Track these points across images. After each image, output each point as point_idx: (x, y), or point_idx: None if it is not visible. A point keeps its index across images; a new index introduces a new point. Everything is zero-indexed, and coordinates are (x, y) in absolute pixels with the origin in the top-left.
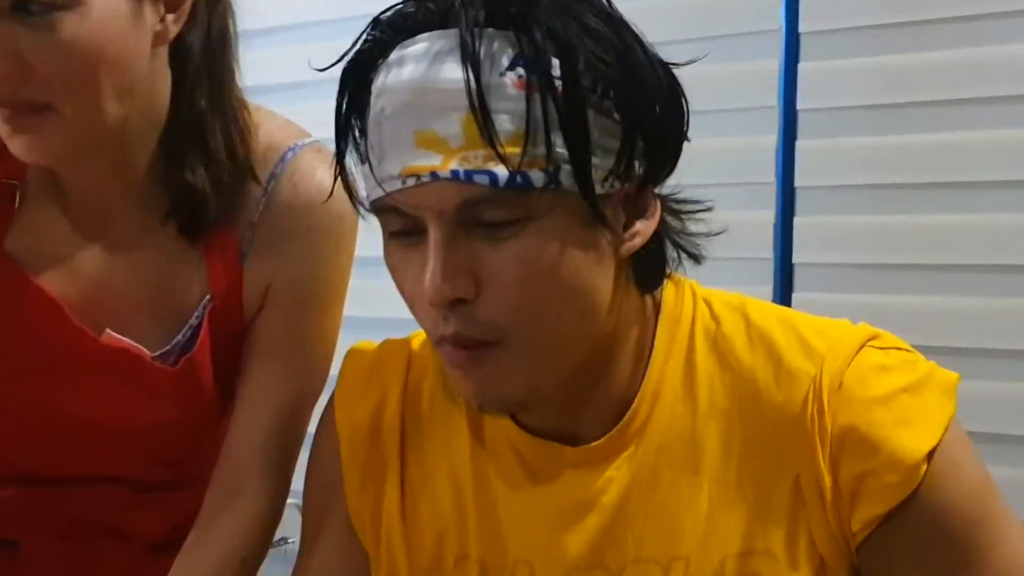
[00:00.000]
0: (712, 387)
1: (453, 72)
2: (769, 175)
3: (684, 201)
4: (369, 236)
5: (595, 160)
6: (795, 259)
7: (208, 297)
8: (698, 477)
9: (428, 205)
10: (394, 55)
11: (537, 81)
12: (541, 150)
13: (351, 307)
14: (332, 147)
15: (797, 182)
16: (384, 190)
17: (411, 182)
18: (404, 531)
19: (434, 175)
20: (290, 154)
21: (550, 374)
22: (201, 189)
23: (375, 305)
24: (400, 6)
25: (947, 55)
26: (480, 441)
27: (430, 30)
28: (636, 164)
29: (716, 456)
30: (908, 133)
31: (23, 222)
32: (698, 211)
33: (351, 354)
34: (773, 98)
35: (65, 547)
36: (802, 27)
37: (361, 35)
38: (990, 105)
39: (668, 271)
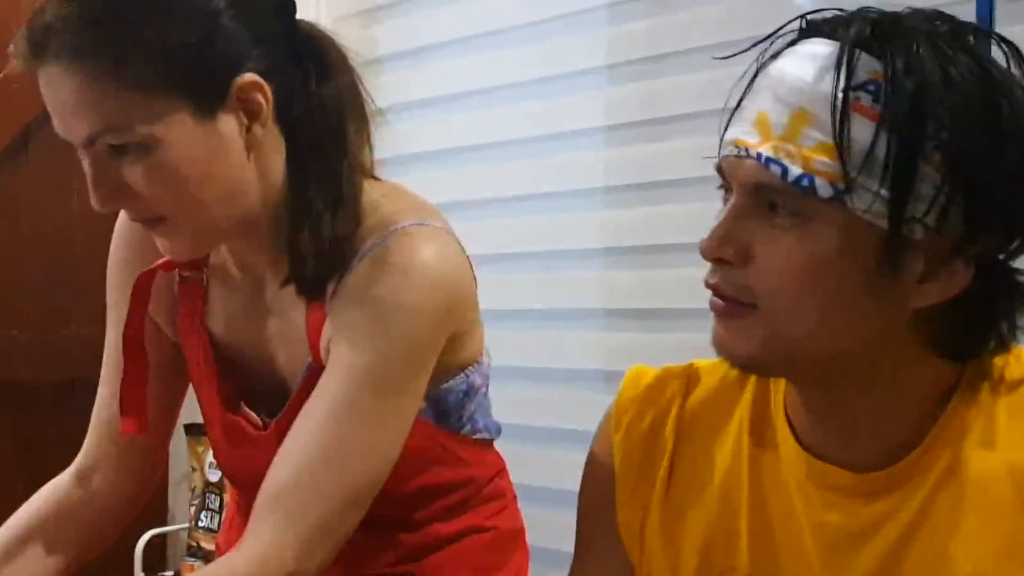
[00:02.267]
0: (1010, 441)
1: (811, 72)
2: None
3: None
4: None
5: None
6: None
7: (310, 360)
8: (984, 526)
9: (736, 176)
10: (790, 49)
11: (884, 114)
12: (849, 170)
13: None
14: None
15: None
16: (720, 152)
17: (732, 152)
18: (664, 546)
19: (746, 151)
20: (395, 228)
21: (786, 358)
22: (308, 260)
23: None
24: (824, 12)
25: None
26: (757, 462)
27: (824, 37)
28: (949, 223)
29: (1005, 508)
30: None
31: (211, 303)
32: None
33: (631, 374)
34: None
35: None
36: None
37: (785, 24)
38: None
39: (989, 347)
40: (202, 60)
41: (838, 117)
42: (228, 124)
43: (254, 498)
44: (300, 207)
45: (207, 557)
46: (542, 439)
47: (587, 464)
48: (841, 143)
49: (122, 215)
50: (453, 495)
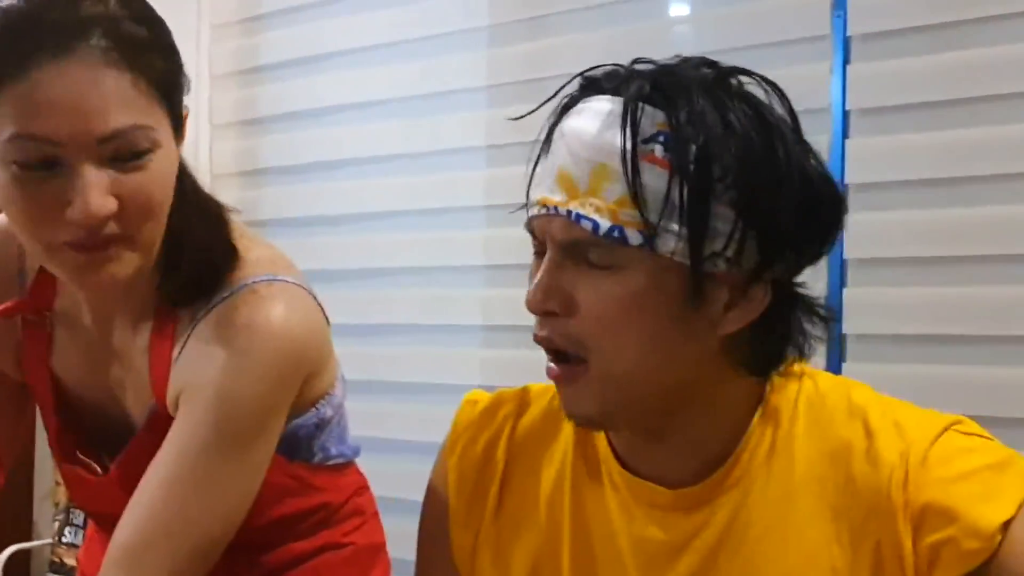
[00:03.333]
0: (809, 454)
1: (602, 129)
2: None
3: (813, 300)
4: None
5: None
6: (845, 330)
7: (153, 403)
8: (787, 534)
9: (549, 232)
10: (578, 107)
11: (674, 163)
12: (650, 217)
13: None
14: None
15: (847, 254)
16: (528, 212)
17: (542, 211)
18: (494, 569)
19: (555, 210)
20: (243, 284)
21: (623, 404)
22: (183, 267)
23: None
24: (599, 69)
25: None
26: (580, 484)
27: (607, 94)
28: (746, 255)
29: (806, 517)
30: (961, 207)
31: (57, 346)
32: (819, 308)
33: (466, 402)
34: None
35: None
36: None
37: (562, 88)
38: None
39: (787, 360)
40: (180, 82)
41: (631, 171)
42: (177, 147)
43: (107, 523)
44: (178, 223)
45: (70, 573)
46: (422, 452)
47: (427, 489)
48: (637, 195)
49: None
50: (309, 520)
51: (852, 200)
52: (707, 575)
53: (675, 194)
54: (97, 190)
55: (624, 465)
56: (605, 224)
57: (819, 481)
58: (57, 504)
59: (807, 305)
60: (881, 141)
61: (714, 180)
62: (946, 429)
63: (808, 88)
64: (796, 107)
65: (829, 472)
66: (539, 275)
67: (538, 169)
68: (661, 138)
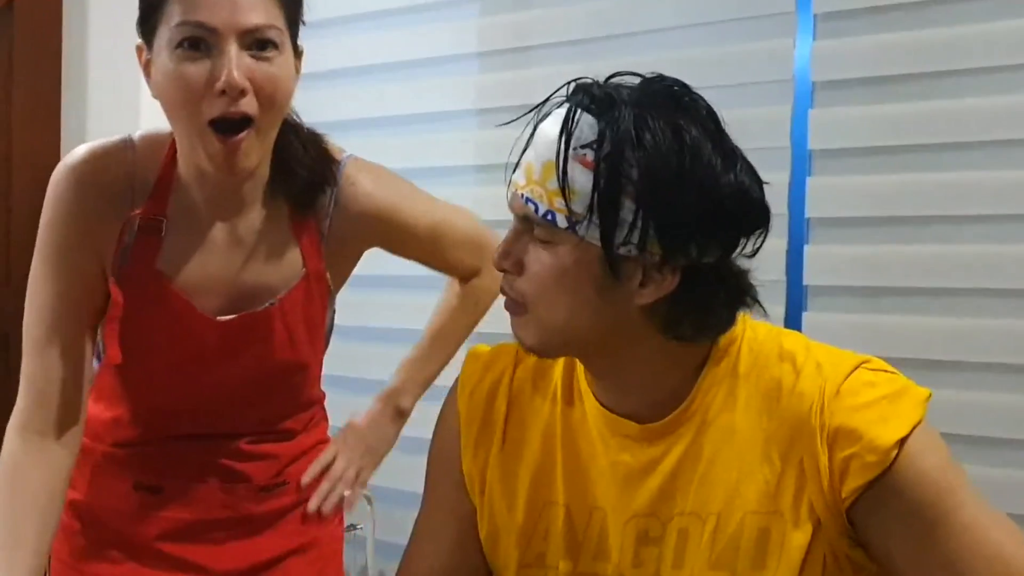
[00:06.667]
0: (748, 392)
1: (554, 132)
2: (783, 207)
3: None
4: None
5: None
6: (806, 282)
7: (303, 271)
8: (731, 458)
9: (513, 208)
10: (555, 111)
11: (596, 165)
12: (574, 208)
13: None
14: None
15: (808, 214)
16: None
17: (512, 189)
18: (502, 488)
19: (517, 191)
20: (343, 165)
21: (555, 344)
22: (304, 176)
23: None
24: (576, 80)
25: (944, 104)
26: (570, 419)
27: (568, 100)
28: (649, 245)
29: (746, 441)
30: (906, 173)
31: (168, 246)
32: (746, 288)
33: (472, 351)
34: (786, 140)
35: (196, 488)
36: (814, 76)
37: (552, 93)
38: (976, 150)
39: (720, 326)
40: (300, 13)
41: (562, 168)
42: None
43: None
44: (285, 133)
45: None
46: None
47: (437, 424)
48: (565, 188)
49: (81, 176)
50: None
51: (815, 165)
52: (670, 491)
53: (595, 190)
54: (238, 66)
55: (599, 401)
56: (543, 208)
57: (756, 413)
58: None
59: (732, 285)
60: (842, 111)
61: (622, 181)
62: (856, 367)
63: (774, 61)
64: (761, 79)
65: (764, 406)
66: (503, 240)
67: (522, 157)
68: (594, 144)
